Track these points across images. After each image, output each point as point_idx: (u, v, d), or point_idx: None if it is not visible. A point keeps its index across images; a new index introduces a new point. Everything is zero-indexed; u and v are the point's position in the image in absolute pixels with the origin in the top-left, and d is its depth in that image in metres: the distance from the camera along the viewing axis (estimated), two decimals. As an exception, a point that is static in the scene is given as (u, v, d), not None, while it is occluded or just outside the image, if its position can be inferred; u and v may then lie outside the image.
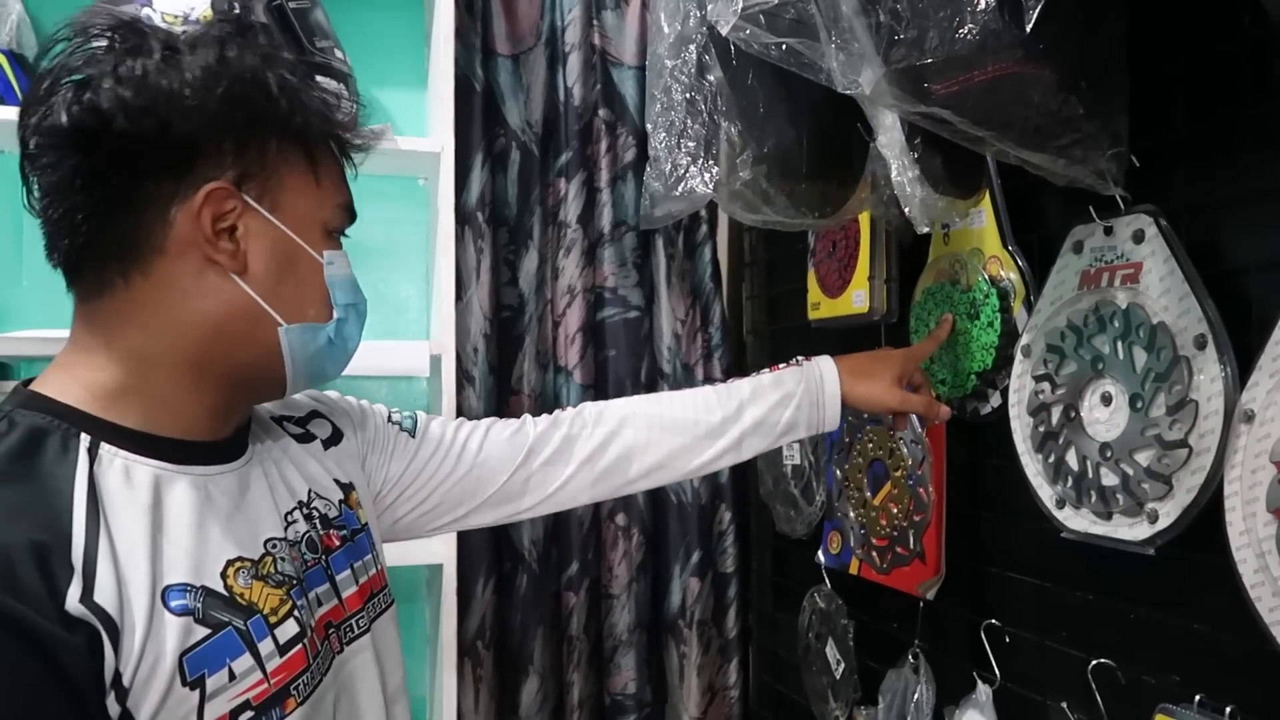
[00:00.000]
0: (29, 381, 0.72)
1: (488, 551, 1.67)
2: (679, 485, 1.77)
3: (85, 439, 0.67)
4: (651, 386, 1.78)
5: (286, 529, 0.78)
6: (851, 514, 1.39)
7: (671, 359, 1.78)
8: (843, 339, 1.44)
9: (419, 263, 1.72)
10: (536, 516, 1.10)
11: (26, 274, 1.51)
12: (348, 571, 0.83)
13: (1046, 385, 1.01)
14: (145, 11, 0.73)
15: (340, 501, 0.87)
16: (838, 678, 1.44)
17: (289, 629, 0.72)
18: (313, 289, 0.76)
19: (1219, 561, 0.83)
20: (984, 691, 1.12)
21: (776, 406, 1.04)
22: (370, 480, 0.94)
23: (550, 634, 1.72)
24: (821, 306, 1.41)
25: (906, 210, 0.94)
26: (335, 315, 0.78)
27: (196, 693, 0.65)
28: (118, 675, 0.61)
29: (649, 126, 0.98)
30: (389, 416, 0.99)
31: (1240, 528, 0.81)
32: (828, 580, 1.47)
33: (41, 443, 0.66)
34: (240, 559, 0.72)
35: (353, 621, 0.83)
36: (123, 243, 0.69)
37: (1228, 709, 0.84)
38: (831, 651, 1.46)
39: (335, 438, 0.91)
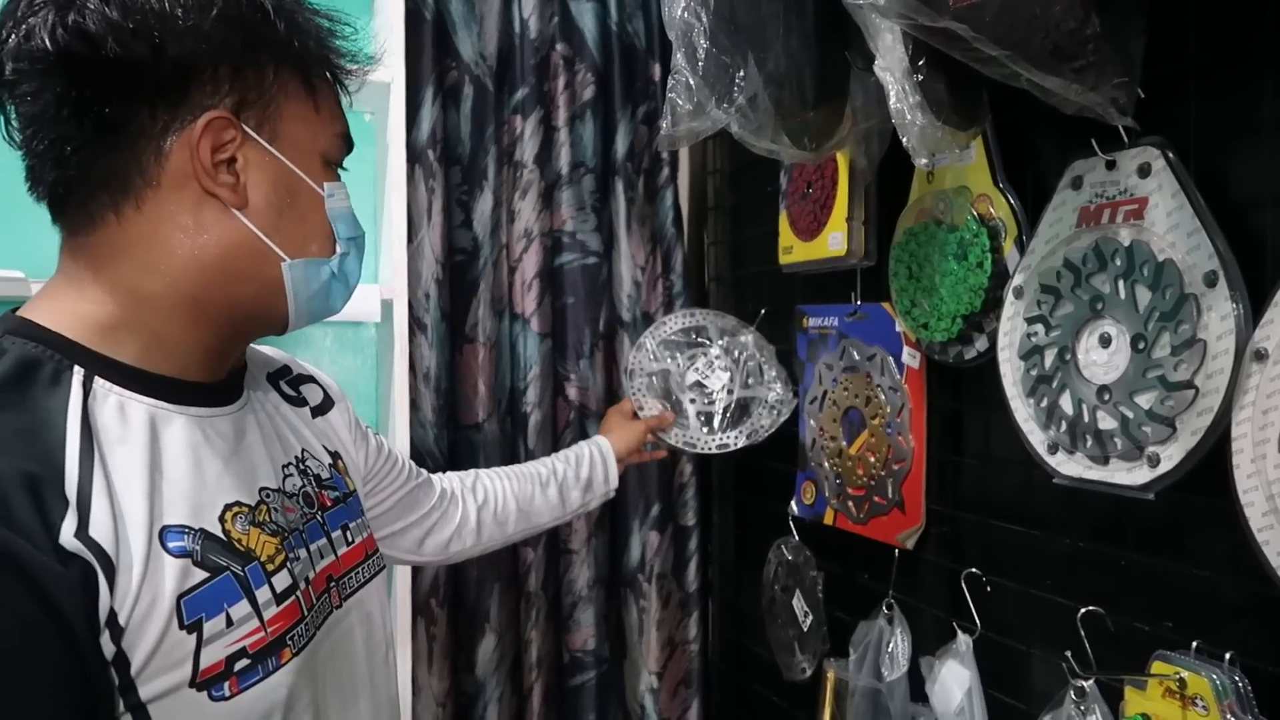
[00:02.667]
0: (18, 309, 0.68)
1: (441, 506, 1.60)
2: (639, 437, 1.72)
3: (79, 371, 0.64)
4: (611, 336, 1.72)
5: (283, 481, 0.77)
6: (826, 463, 1.35)
7: (631, 307, 1.72)
8: (816, 284, 1.40)
9: (366, 203, 1.62)
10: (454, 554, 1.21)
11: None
12: (341, 530, 0.83)
13: (1040, 327, 0.98)
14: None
15: (330, 465, 0.86)
16: (805, 630, 1.41)
17: (283, 579, 0.71)
18: (315, 223, 0.73)
19: (1220, 505, 0.80)
20: (964, 641, 1.10)
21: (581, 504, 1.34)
22: (354, 467, 0.93)
23: (507, 590, 1.66)
24: (794, 250, 1.36)
25: (905, 140, 0.89)
26: (338, 250, 0.75)
27: (193, 637, 0.63)
28: (113, 614, 0.59)
29: (672, 36, 0.93)
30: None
31: (1248, 470, 0.78)
32: (795, 532, 1.43)
33: (33, 372, 0.63)
34: (239, 504, 0.70)
35: (351, 576, 0.82)
36: (114, 175, 0.66)
37: (1227, 655, 0.82)
38: (799, 604, 1.43)
39: (325, 406, 0.91)
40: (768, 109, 0.99)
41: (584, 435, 1.69)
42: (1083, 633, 0.95)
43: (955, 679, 1.09)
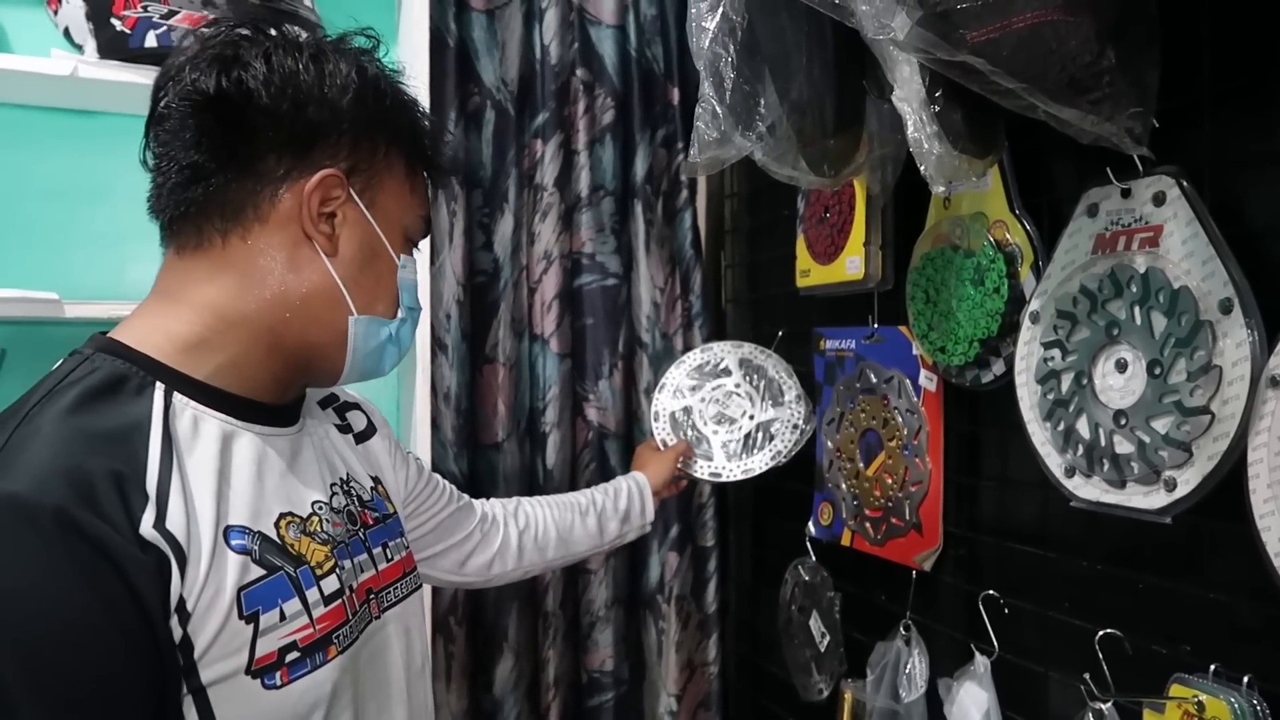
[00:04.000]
0: (107, 331, 0.76)
1: (461, 525, 1.61)
2: (657, 457, 1.73)
3: (160, 387, 0.71)
4: (630, 356, 1.74)
5: (330, 498, 0.83)
6: (844, 485, 1.36)
7: (650, 328, 1.74)
8: (833, 307, 1.41)
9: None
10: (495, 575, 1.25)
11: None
12: (381, 547, 0.89)
13: (1057, 352, 0.99)
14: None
15: (371, 488, 0.92)
16: (822, 650, 1.42)
17: (332, 583, 0.77)
18: (386, 286, 0.82)
19: (1237, 529, 0.81)
20: (982, 663, 1.10)
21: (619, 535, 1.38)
22: (395, 489, 1.01)
23: (525, 610, 1.67)
24: (812, 273, 1.38)
25: (922, 169, 0.91)
26: (399, 315, 0.84)
27: (250, 627, 0.69)
28: (182, 600, 0.65)
29: (700, 66, 0.96)
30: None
31: (1265, 495, 0.79)
32: (812, 552, 1.44)
33: (121, 386, 0.70)
34: (292, 514, 0.77)
35: (389, 591, 0.88)
36: (231, 205, 0.75)
37: (1245, 678, 0.82)
38: (815, 624, 1.44)
39: (367, 433, 0.98)
40: (788, 136, 1.01)
41: (603, 455, 1.71)
42: (1100, 655, 0.96)
43: (973, 701, 1.09)
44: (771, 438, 1.46)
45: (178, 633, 0.65)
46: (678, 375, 1.57)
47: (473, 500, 1.22)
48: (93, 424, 0.67)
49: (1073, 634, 1.01)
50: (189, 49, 0.76)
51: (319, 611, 0.75)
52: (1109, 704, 0.94)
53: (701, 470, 1.49)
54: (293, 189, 0.76)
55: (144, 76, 1.33)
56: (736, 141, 0.95)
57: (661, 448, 1.51)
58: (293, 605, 0.73)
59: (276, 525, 0.75)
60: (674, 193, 1.77)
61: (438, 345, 1.59)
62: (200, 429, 0.72)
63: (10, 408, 0.69)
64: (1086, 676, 0.92)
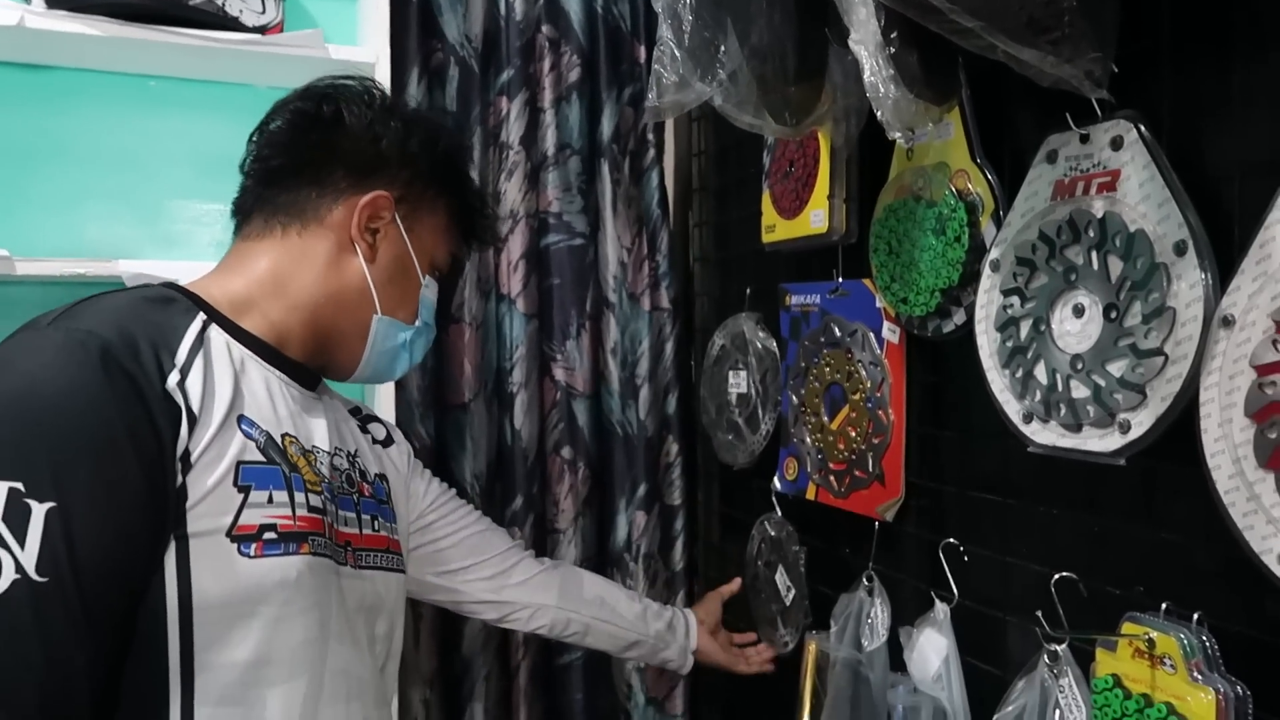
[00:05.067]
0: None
1: (428, 486, 1.61)
2: (624, 418, 1.74)
3: (203, 315, 0.85)
4: (597, 317, 1.73)
5: (333, 457, 0.94)
6: (808, 439, 1.37)
7: (617, 288, 1.73)
8: (799, 262, 1.41)
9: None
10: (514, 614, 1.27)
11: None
12: (370, 516, 0.98)
13: (1016, 299, 1.00)
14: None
15: (376, 475, 1.03)
16: (787, 604, 1.43)
17: (317, 499, 0.87)
18: (409, 298, 0.99)
19: (1189, 471, 0.82)
20: (941, 610, 1.11)
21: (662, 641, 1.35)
22: (410, 498, 1.13)
23: (494, 570, 1.67)
24: (777, 229, 1.38)
25: (879, 114, 0.90)
26: (416, 324, 1.00)
27: (241, 496, 0.79)
28: (187, 452, 0.76)
29: (658, 8, 0.96)
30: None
31: (1216, 434, 0.80)
32: (778, 508, 1.45)
33: (171, 303, 0.85)
34: (296, 438, 0.88)
35: (366, 555, 0.95)
36: (297, 207, 0.92)
37: (1195, 615, 0.84)
38: (781, 579, 1.45)
39: (387, 442, 1.11)
40: (750, 84, 1.00)
41: (571, 415, 1.71)
42: (1056, 598, 0.97)
43: (933, 647, 1.11)
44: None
45: (178, 479, 0.75)
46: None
47: (510, 535, 1.29)
48: (144, 311, 0.81)
49: (1030, 578, 1.02)
50: (306, 88, 0.95)
51: (301, 512, 0.84)
52: (1064, 645, 0.95)
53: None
54: (349, 202, 0.93)
55: (94, 28, 1.30)
56: (696, 87, 0.94)
57: None
58: (281, 496, 0.82)
59: (283, 437, 0.86)
60: (641, 152, 1.76)
61: (403, 305, 1.58)
62: (229, 350, 0.86)
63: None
64: (1039, 614, 0.93)
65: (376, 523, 0.98)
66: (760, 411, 1.51)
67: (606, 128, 1.72)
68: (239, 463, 0.79)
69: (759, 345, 1.50)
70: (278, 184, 0.93)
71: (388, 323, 0.96)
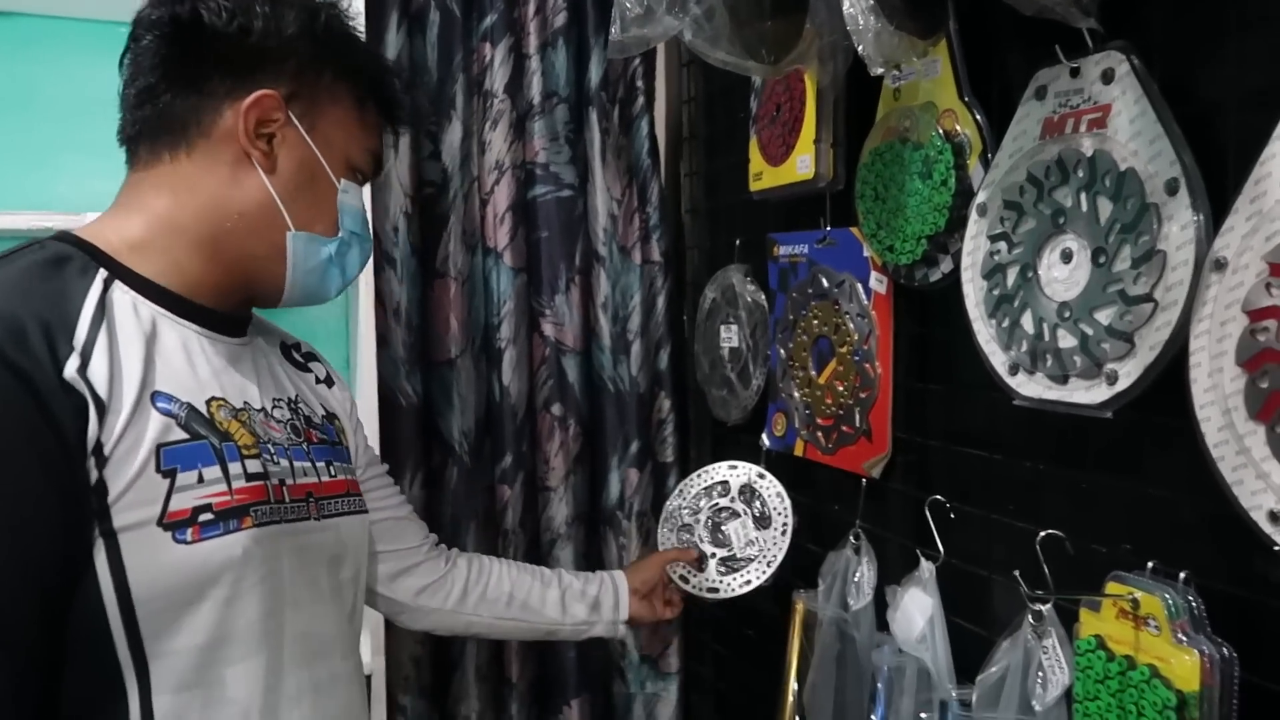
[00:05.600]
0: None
1: (416, 442, 1.59)
2: (616, 374, 1.70)
3: (103, 272, 0.77)
4: (587, 271, 1.69)
5: (272, 409, 0.88)
6: (796, 394, 1.33)
7: (607, 241, 1.69)
8: (788, 211, 1.36)
9: (332, 134, 1.59)
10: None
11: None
12: (325, 463, 0.92)
13: (1003, 245, 0.95)
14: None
15: (323, 417, 0.97)
16: (737, 555, 1.36)
17: (255, 465, 0.81)
18: (324, 207, 0.87)
19: (1177, 424, 0.78)
20: (927, 568, 1.08)
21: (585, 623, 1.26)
22: (355, 441, 1.05)
23: (485, 529, 1.65)
24: (764, 176, 1.33)
25: (859, 48, 0.85)
26: (339, 236, 0.88)
27: (167, 482, 0.73)
28: (99, 445, 0.70)
29: None
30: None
31: (1205, 384, 0.76)
32: (764, 465, 1.41)
33: (65, 264, 0.76)
34: (224, 399, 0.82)
35: (330, 501, 0.91)
36: (177, 123, 0.81)
37: (1181, 574, 0.80)
38: (743, 530, 1.37)
39: (328, 381, 1.03)
40: (724, 19, 0.95)
41: (561, 372, 1.68)
42: (1041, 556, 0.93)
43: (917, 606, 1.08)
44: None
45: (93, 475, 0.69)
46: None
47: (427, 527, 1.18)
48: (33, 285, 0.73)
49: (1016, 536, 0.98)
50: None
51: (239, 484, 0.78)
52: (1048, 605, 0.92)
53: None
54: (233, 107, 0.81)
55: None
56: (664, 21, 0.89)
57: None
58: (213, 472, 0.76)
59: (208, 404, 0.80)
60: (630, 99, 1.70)
61: (385, 259, 1.54)
62: (136, 312, 0.77)
63: None
64: (1016, 574, 0.90)
65: (333, 467, 0.93)
66: (751, 366, 1.47)
67: (594, 75, 1.66)
68: (159, 446, 0.73)
69: (748, 298, 1.46)
70: (151, 103, 0.81)
71: (305, 239, 0.85)
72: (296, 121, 0.83)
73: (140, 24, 0.82)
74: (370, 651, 1.47)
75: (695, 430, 1.75)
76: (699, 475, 1.42)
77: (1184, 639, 0.78)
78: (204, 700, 0.76)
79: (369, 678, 1.46)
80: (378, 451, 1.45)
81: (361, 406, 1.47)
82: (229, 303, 0.86)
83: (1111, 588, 0.84)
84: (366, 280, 1.45)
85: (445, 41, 1.58)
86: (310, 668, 0.86)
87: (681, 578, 1.35)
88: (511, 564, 1.25)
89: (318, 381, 1.01)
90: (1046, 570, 0.93)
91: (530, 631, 1.24)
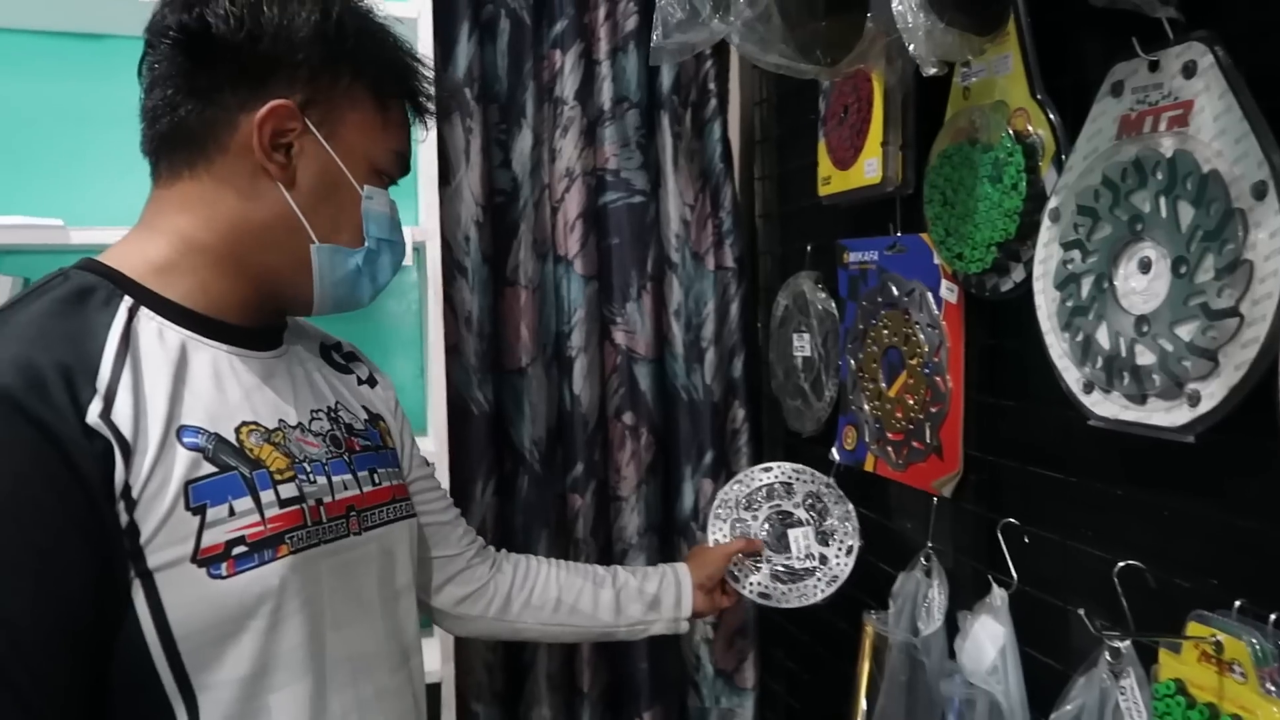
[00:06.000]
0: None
1: (488, 450, 1.59)
2: (689, 382, 1.67)
3: (128, 300, 0.75)
4: (659, 278, 1.67)
5: (310, 421, 0.86)
6: (866, 407, 1.28)
7: (680, 247, 1.66)
8: (858, 216, 1.31)
9: (404, 146, 1.60)
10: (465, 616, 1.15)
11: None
12: (368, 471, 0.90)
13: (1076, 253, 0.88)
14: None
15: (366, 421, 0.94)
16: (794, 569, 1.31)
17: (290, 489, 0.79)
18: (348, 216, 0.83)
19: (1270, 446, 0.71)
20: (999, 595, 1.02)
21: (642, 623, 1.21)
22: (401, 441, 1.02)
23: (556, 537, 1.65)
24: (832, 180, 1.28)
25: (911, 47, 0.81)
26: (366, 245, 0.85)
27: (197, 519, 0.72)
28: (127, 487, 0.69)
29: None
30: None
31: (1297, 408, 0.68)
32: (834, 479, 1.36)
33: (88, 296, 0.74)
34: (256, 423, 0.79)
35: (373, 512, 0.89)
36: (194, 138, 0.78)
37: (1272, 616, 0.73)
38: (804, 540, 1.33)
39: (371, 381, 1.01)
40: (777, 21, 0.91)
41: (633, 380, 1.66)
42: (1119, 588, 0.87)
43: (989, 635, 1.01)
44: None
45: (124, 518, 0.69)
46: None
47: (474, 530, 1.15)
48: (54, 325, 0.71)
49: (1094, 565, 0.92)
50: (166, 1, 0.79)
51: (272, 512, 0.77)
52: (1126, 643, 0.85)
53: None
54: (248, 119, 0.78)
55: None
56: (711, 25, 0.86)
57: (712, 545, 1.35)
58: (244, 503, 0.75)
59: (237, 431, 0.78)
60: (703, 103, 1.67)
61: (457, 268, 1.55)
62: (164, 340, 0.76)
63: None
64: (1081, 612, 0.83)
65: (376, 475, 0.91)
66: (824, 376, 1.42)
67: (666, 78, 1.64)
68: (187, 483, 0.72)
69: (819, 306, 1.41)
70: (167, 117, 0.78)
71: (330, 251, 0.82)
72: (314, 129, 0.80)
73: (153, 30, 0.79)
74: (440, 659, 1.48)
75: (769, 441, 1.70)
76: (763, 470, 1.37)
77: (1273, 689, 0.71)
78: None
79: (438, 685, 1.48)
80: (447, 460, 1.48)
81: (432, 415, 1.49)
82: (260, 317, 0.84)
83: (1193, 628, 0.77)
84: (436, 289, 1.46)
85: (515, 49, 1.57)
86: (355, 687, 0.85)
87: (732, 574, 1.30)
88: (563, 566, 1.20)
89: (360, 383, 0.99)
90: (1125, 604, 0.86)
91: (582, 635, 1.21)
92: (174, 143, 0.79)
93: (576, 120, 1.60)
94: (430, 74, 0.90)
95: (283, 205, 0.79)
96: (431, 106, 0.91)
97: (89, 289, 0.75)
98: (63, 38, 1.44)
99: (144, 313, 0.76)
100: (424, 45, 1.42)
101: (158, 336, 0.76)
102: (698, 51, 0.90)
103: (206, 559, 0.72)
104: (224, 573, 0.73)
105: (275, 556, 0.76)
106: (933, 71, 0.82)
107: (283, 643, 0.77)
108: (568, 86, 1.59)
